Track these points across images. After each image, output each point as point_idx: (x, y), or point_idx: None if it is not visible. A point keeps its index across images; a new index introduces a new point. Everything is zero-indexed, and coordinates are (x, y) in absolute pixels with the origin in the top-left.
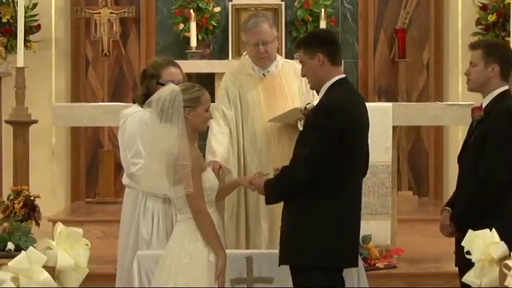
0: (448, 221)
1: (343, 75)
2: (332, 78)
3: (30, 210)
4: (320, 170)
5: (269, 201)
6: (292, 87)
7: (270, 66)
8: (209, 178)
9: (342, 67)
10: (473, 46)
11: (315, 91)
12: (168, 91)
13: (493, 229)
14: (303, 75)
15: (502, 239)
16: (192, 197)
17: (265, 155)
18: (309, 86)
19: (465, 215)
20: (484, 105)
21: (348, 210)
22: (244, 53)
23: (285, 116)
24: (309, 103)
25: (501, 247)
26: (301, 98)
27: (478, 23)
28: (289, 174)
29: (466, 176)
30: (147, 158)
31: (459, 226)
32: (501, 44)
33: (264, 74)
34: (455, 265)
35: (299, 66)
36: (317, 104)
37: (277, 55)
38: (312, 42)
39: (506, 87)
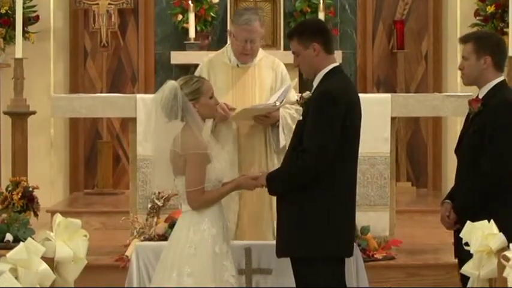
0: (448, 213)
1: (337, 64)
2: (327, 66)
3: (29, 201)
4: (331, 159)
5: (275, 191)
6: (265, 81)
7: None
8: (216, 170)
9: (335, 55)
10: (463, 40)
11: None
12: (168, 89)
13: (492, 220)
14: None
15: (506, 230)
16: (191, 194)
17: (227, 146)
18: (280, 82)
19: (469, 207)
20: (480, 97)
21: (346, 199)
22: (228, 43)
23: (250, 111)
24: (304, 92)
25: (499, 238)
26: (272, 94)
27: (476, 14)
28: (301, 165)
29: (465, 168)
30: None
31: (463, 219)
32: (491, 34)
33: (238, 65)
34: (455, 257)
35: (278, 61)
36: (318, 91)
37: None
38: (305, 32)
39: (502, 78)
